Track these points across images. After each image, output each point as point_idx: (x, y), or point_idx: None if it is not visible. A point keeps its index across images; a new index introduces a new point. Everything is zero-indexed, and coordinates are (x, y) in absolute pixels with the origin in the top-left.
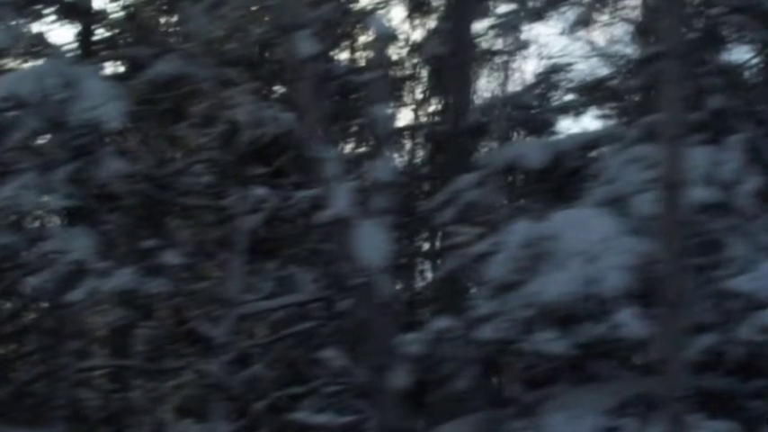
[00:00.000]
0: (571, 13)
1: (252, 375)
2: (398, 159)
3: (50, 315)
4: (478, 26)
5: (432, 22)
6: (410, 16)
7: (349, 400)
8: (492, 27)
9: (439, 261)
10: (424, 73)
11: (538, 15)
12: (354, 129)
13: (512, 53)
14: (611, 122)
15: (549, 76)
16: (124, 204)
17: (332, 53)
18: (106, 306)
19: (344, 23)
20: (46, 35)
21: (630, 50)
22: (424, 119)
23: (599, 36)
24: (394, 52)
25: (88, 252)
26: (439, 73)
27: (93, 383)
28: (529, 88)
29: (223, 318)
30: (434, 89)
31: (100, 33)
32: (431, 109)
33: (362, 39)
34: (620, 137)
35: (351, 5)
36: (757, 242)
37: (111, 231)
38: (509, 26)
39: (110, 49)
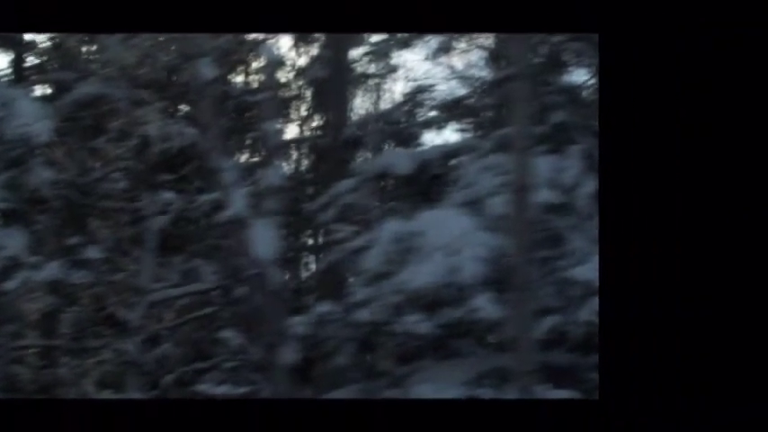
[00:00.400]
0: (434, 42)
1: (162, 353)
2: (286, 167)
3: None
4: (354, 53)
5: (314, 50)
6: (296, 45)
7: (245, 374)
8: (366, 54)
9: (321, 255)
10: (308, 93)
11: (405, 44)
12: (249, 142)
13: (383, 76)
14: (469, 135)
15: (415, 96)
16: (52, 207)
17: (229, 77)
18: (37, 294)
19: (240, 51)
20: None
21: (485, 73)
22: (308, 133)
23: (458, 61)
24: (282, 76)
25: (21, 248)
26: (320, 93)
27: (26, 360)
28: (398, 106)
29: (137, 304)
30: (317, 107)
31: (31, 60)
32: (314, 124)
33: (255, 64)
34: (476, 147)
35: (245, 36)
36: (593, 237)
37: (41, 230)
38: (381, 53)
39: (39, 74)
